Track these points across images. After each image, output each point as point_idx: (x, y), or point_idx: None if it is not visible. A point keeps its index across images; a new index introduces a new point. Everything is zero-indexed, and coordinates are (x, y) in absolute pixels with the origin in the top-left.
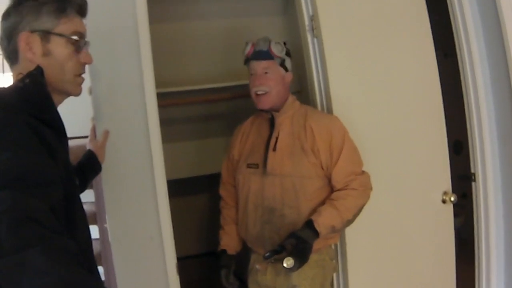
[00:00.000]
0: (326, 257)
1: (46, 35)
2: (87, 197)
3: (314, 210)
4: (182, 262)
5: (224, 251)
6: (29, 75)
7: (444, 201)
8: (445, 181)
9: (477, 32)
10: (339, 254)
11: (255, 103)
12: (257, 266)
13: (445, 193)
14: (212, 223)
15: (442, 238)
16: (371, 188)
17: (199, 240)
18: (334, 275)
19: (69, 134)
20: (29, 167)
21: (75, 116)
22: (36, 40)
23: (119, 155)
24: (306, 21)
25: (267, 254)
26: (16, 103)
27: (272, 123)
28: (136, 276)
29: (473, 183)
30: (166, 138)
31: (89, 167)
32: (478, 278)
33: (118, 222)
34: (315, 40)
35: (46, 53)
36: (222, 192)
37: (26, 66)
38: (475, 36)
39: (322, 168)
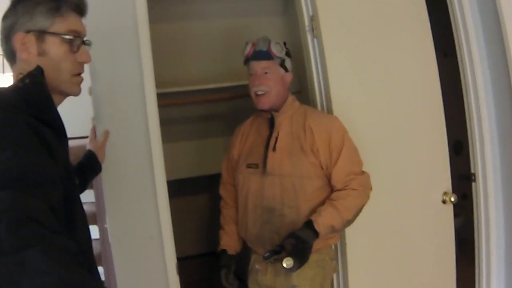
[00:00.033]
0: (326, 257)
1: (41, 34)
2: (87, 197)
3: (313, 210)
4: (182, 262)
5: (224, 251)
6: (29, 75)
7: (444, 201)
8: (445, 181)
9: (477, 32)
10: (339, 254)
11: (255, 103)
12: (257, 266)
13: (445, 193)
14: (212, 223)
15: (442, 238)
16: (371, 188)
17: (199, 240)
18: (334, 275)
19: (69, 135)
20: (29, 167)
21: (75, 116)
22: (31, 40)
23: (119, 155)
24: (306, 21)
25: (267, 254)
26: (16, 103)
27: (271, 123)
28: (136, 276)
29: (473, 183)
30: (166, 138)
31: (89, 167)
32: (478, 279)
33: (118, 222)
34: (315, 40)
35: (41, 53)
36: (222, 192)
37: (23, 67)
38: (475, 36)
39: (322, 168)
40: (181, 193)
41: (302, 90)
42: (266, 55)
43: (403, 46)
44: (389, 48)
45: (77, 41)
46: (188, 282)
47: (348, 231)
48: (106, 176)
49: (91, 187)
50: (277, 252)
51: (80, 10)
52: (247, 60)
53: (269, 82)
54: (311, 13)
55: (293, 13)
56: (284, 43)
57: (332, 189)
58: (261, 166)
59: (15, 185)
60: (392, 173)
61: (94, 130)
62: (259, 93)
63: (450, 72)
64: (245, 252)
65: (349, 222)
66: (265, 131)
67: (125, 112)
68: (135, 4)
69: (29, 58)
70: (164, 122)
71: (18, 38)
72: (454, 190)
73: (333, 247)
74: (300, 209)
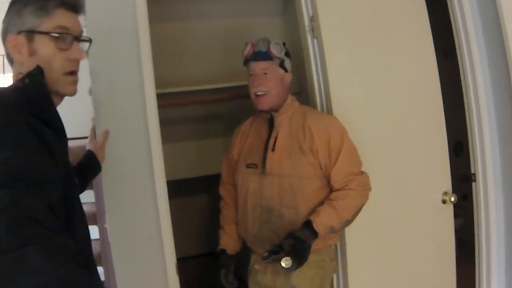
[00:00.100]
0: (326, 258)
1: (30, 34)
2: (87, 197)
3: (312, 210)
4: (182, 263)
5: (223, 251)
6: (29, 74)
7: (444, 202)
8: (445, 182)
9: (477, 32)
10: (339, 255)
11: (254, 104)
12: (256, 266)
13: (445, 193)
14: (211, 224)
15: (442, 238)
16: (370, 189)
17: (199, 240)
18: (334, 275)
19: (69, 135)
20: (28, 167)
21: (75, 116)
22: (22, 41)
23: (119, 156)
24: (306, 22)
25: (265, 254)
26: (16, 103)
27: (271, 124)
28: (136, 276)
29: (473, 184)
30: (166, 138)
31: (89, 167)
32: (478, 279)
33: (118, 222)
34: (315, 40)
35: (32, 53)
36: (222, 192)
37: (18, 68)
38: (475, 36)
39: (321, 168)
40: (181, 193)
41: (302, 90)
42: (265, 56)
43: (403, 46)
44: (389, 48)
45: (67, 38)
46: (188, 283)
47: (348, 231)
48: (106, 176)
49: (91, 187)
50: (276, 252)
51: (70, 5)
52: (246, 61)
53: (269, 83)
54: (311, 14)
55: (293, 14)
56: (284, 44)
57: (331, 189)
58: (260, 166)
59: (15, 184)
60: (392, 173)
61: (93, 130)
62: (259, 93)
63: (450, 72)
64: (245, 252)
65: (348, 222)
66: (264, 131)
67: (125, 112)
68: (135, 4)
69: (22, 59)
70: (164, 123)
71: (10, 40)
72: (455, 191)
73: (333, 247)
74: (298, 209)
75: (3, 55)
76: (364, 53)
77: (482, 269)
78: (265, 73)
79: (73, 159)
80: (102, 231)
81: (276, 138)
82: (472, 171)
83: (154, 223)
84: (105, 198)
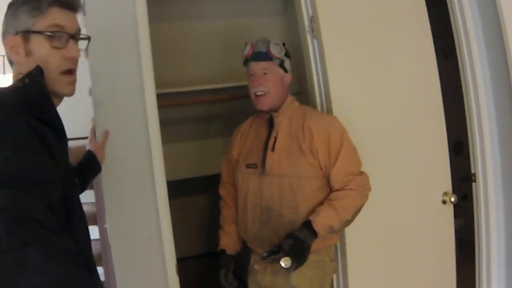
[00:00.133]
0: (326, 258)
1: (26, 34)
2: (87, 197)
3: (312, 210)
4: (182, 263)
5: (223, 251)
6: (29, 75)
7: (444, 202)
8: (445, 182)
9: (477, 32)
10: (339, 255)
11: (254, 104)
12: (256, 266)
13: (445, 193)
14: (211, 224)
15: (442, 239)
16: (369, 189)
17: (199, 241)
18: (334, 276)
19: (69, 135)
20: (28, 167)
21: (75, 116)
22: (19, 42)
23: (119, 156)
24: (306, 22)
25: (265, 254)
26: (16, 103)
27: (271, 124)
28: (136, 276)
29: (473, 184)
30: (166, 138)
31: (89, 168)
32: (478, 280)
33: (118, 222)
34: (315, 41)
35: (28, 53)
36: (222, 192)
37: (18, 68)
38: (475, 36)
39: (321, 168)
40: (181, 194)
41: (302, 91)
42: (265, 56)
43: (403, 46)
44: (389, 48)
45: (63, 37)
46: (188, 283)
47: (348, 231)
48: (106, 176)
49: (91, 187)
50: (275, 252)
51: (64, 3)
52: (246, 61)
53: (268, 83)
54: (311, 14)
55: (292, 14)
56: (284, 44)
57: (330, 190)
58: (260, 166)
59: (15, 184)
60: (392, 173)
61: (93, 130)
62: (259, 93)
63: (450, 72)
64: (245, 252)
65: (348, 222)
66: (264, 131)
67: (124, 113)
68: (135, 4)
69: (19, 60)
70: (164, 123)
71: (7, 41)
72: (455, 191)
73: (332, 247)
74: (298, 209)
75: (3, 56)
76: (364, 53)
77: (482, 269)
78: (265, 73)
79: (73, 159)
80: (102, 231)
81: (275, 138)
82: (472, 171)
83: (154, 223)
84: (105, 198)
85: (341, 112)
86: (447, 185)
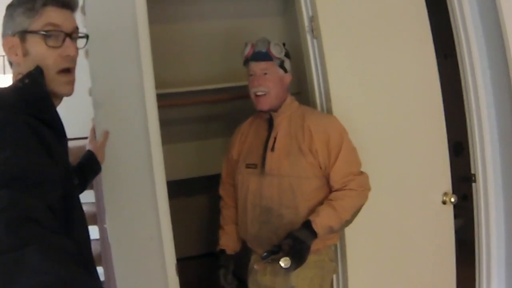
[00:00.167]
0: (326, 258)
1: (22, 35)
2: (87, 197)
3: (312, 211)
4: (182, 263)
5: (223, 251)
6: (28, 75)
7: (444, 202)
8: (445, 182)
9: (477, 32)
10: (339, 255)
11: (254, 104)
12: (255, 267)
13: (445, 194)
14: (211, 224)
15: (442, 239)
16: (369, 189)
17: (199, 241)
18: (334, 276)
19: (69, 135)
20: (28, 167)
21: (75, 117)
22: (16, 42)
23: (119, 156)
24: (306, 22)
25: (264, 255)
26: (16, 103)
27: (270, 124)
28: (135, 276)
29: (473, 184)
30: (166, 139)
31: (88, 168)
32: (478, 280)
33: (117, 222)
34: (315, 41)
35: (25, 53)
36: (222, 192)
37: (16, 69)
38: (475, 36)
39: (320, 168)
40: (181, 194)
41: (302, 91)
42: (265, 56)
43: (403, 47)
44: (389, 49)
45: (59, 35)
46: (188, 283)
47: (348, 231)
48: (106, 176)
49: (91, 188)
50: (275, 252)
51: (58, 2)
52: (246, 61)
53: (268, 83)
54: (310, 14)
55: (292, 14)
56: (284, 44)
57: (330, 190)
58: (260, 166)
59: (14, 184)
60: (392, 173)
61: (93, 130)
62: (259, 94)
63: (450, 73)
64: (245, 252)
65: (347, 222)
66: (263, 131)
67: (124, 113)
68: (135, 4)
69: (18, 60)
70: (164, 123)
71: (6, 43)
72: (455, 191)
73: (332, 248)
74: (298, 209)
75: (3, 56)
76: (364, 53)
77: (482, 269)
78: (265, 74)
79: (73, 159)
80: (102, 231)
81: (275, 138)
82: (472, 172)
83: (154, 223)
84: (105, 198)
85: (341, 112)
86: (447, 185)
